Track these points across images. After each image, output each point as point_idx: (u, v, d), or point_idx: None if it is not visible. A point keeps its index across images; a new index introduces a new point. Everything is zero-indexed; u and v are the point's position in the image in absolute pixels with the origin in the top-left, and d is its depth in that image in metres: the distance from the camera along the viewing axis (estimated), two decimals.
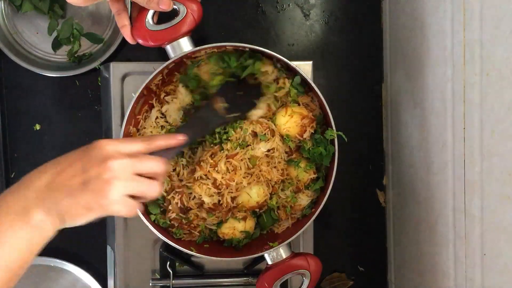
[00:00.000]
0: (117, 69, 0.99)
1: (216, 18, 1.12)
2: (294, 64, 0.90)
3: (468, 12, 0.80)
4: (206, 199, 0.92)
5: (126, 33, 0.90)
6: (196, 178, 0.91)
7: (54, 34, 1.07)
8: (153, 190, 0.71)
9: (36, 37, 1.09)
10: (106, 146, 0.69)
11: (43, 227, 0.66)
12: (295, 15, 1.14)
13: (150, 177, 0.72)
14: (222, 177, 0.90)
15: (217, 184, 0.91)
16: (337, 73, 1.15)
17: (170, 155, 0.79)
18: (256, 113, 0.92)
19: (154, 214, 0.93)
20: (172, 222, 0.94)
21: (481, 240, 0.80)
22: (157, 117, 0.93)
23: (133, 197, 0.70)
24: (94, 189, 0.67)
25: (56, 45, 1.07)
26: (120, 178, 0.68)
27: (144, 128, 0.93)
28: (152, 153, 0.75)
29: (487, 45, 0.76)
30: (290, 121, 0.91)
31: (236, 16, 1.13)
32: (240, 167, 0.91)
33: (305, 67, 1.00)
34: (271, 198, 0.95)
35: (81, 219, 0.69)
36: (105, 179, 0.67)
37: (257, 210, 0.95)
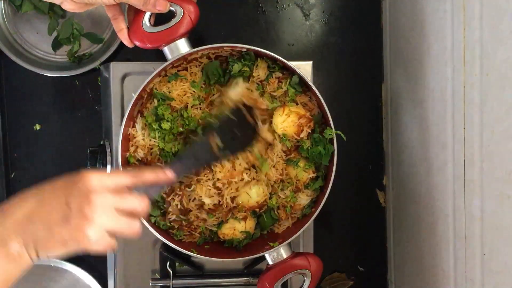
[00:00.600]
0: (117, 69, 0.99)
1: (216, 18, 1.12)
2: (292, 64, 0.90)
3: (468, 12, 0.80)
4: (207, 200, 0.92)
5: (123, 36, 0.90)
6: (197, 179, 0.92)
7: (54, 34, 1.07)
8: (132, 229, 0.70)
9: (36, 37, 1.09)
10: (92, 179, 0.67)
11: (20, 258, 0.65)
12: (295, 15, 1.14)
13: (131, 214, 0.70)
14: (224, 175, 0.91)
15: (217, 185, 0.92)
16: (337, 73, 1.15)
17: (155, 191, 0.77)
18: (233, 93, 0.92)
19: (155, 216, 0.93)
20: (172, 223, 0.94)
21: (481, 240, 0.80)
22: (143, 128, 0.93)
23: (110, 232, 0.68)
24: (73, 224, 0.65)
25: (56, 45, 1.08)
26: (101, 214, 0.66)
27: (135, 137, 0.93)
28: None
29: (487, 45, 0.76)
30: (287, 121, 0.91)
31: (236, 16, 1.13)
32: (240, 163, 0.91)
33: (305, 67, 1.00)
34: (270, 198, 0.95)
35: (55, 253, 0.67)
36: (85, 215, 0.65)
37: (257, 210, 0.95)
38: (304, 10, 1.14)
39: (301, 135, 0.92)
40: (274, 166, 0.94)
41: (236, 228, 0.94)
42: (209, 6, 1.11)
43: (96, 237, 0.66)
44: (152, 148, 0.93)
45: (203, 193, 0.92)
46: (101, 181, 0.68)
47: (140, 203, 0.71)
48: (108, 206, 0.67)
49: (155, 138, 0.92)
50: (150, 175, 0.75)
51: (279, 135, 0.93)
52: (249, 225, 0.95)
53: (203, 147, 0.87)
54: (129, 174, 0.72)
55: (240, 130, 0.90)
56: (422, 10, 0.96)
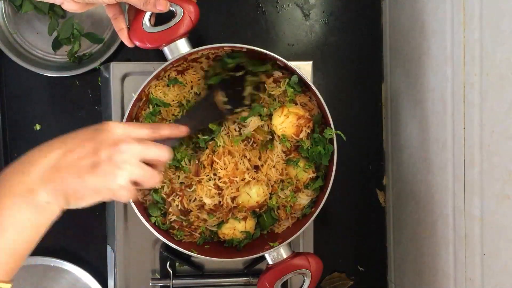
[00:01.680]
0: (117, 69, 0.99)
1: (216, 18, 1.12)
2: (292, 64, 0.90)
3: (468, 12, 0.80)
4: (207, 201, 0.92)
5: (123, 36, 0.90)
6: (198, 180, 0.92)
7: (54, 34, 1.07)
8: (154, 179, 0.71)
9: (36, 37, 1.09)
10: (117, 128, 0.68)
11: (48, 208, 0.65)
12: (295, 15, 1.14)
13: (153, 164, 0.71)
14: (226, 173, 0.91)
15: (219, 184, 0.92)
16: (337, 73, 1.15)
17: (169, 144, 0.78)
18: (249, 128, 0.93)
19: (155, 217, 0.93)
20: (172, 224, 0.94)
21: (481, 240, 0.80)
22: None
23: (134, 182, 0.69)
24: (105, 172, 0.65)
25: (56, 45, 1.08)
26: (129, 163, 0.67)
27: None
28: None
29: (487, 45, 0.76)
30: (286, 121, 0.91)
31: (236, 16, 1.13)
32: (242, 162, 0.92)
33: (305, 67, 1.00)
34: (270, 198, 0.95)
35: (86, 202, 0.67)
36: (115, 163, 0.66)
37: (257, 210, 0.95)
38: (304, 10, 1.14)
39: (301, 136, 0.92)
40: (274, 167, 0.94)
41: (236, 228, 0.94)
42: (209, 6, 1.12)
43: (124, 184, 0.67)
44: None
45: (203, 194, 0.92)
46: (126, 131, 0.69)
47: (164, 152, 0.71)
48: (135, 155, 0.68)
49: None
50: (166, 130, 0.76)
51: (278, 136, 0.93)
52: (249, 225, 0.95)
53: (209, 104, 0.89)
54: (148, 127, 0.73)
55: (241, 85, 0.92)
56: (422, 10, 0.96)
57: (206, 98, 0.91)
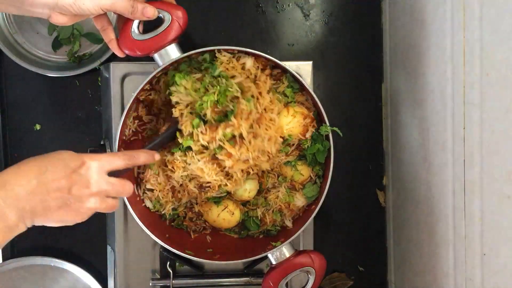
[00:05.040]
0: (117, 69, 0.99)
1: (216, 18, 1.12)
2: (289, 64, 0.90)
3: (468, 12, 0.80)
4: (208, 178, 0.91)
5: (113, 46, 0.89)
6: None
7: (54, 34, 1.07)
8: (125, 192, 0.78)
9: (36, 37, 1.09)
10: (93, 168, 0.74)
11: (16, 227, 0.69)
12: (295, 15, 1.14)
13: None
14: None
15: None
16: (337, 73, 1.15)
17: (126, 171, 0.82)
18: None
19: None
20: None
21: (481, 240, 0.80)
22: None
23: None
24: (72, 209, 0.72)
25: (56, 45, 1.08)
26: (97, 199, 0.74)
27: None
28: None
29: (487, 45, 0.76)
30: (293, 121, 0.92)
31: (236, 16, 1.13)
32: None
33: (305, 67, 1.00)
34: (267, 180, 0.95)
35: (51, 224, 0.73)
36: (84, 204, 0.73)
37: (247, 203, 0.97)
38: (304, 10, 1.14)
39: (307, 135, 0.93)
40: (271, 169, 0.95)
41: (211, 209, 0.95)
42: (209, 6, 1.12)
43: (90, 213, 0.75)
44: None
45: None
46: (102, 168, 0.74)
47: (129, 189, 0.78)
48: (102, 192, 0.75)
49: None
50: (142, 157, 0.81)
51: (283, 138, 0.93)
52: (235, 216, 0.96)
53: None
54: (124, 158, 0.78)
55: None
56: (422, 10, 0.96)
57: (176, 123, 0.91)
